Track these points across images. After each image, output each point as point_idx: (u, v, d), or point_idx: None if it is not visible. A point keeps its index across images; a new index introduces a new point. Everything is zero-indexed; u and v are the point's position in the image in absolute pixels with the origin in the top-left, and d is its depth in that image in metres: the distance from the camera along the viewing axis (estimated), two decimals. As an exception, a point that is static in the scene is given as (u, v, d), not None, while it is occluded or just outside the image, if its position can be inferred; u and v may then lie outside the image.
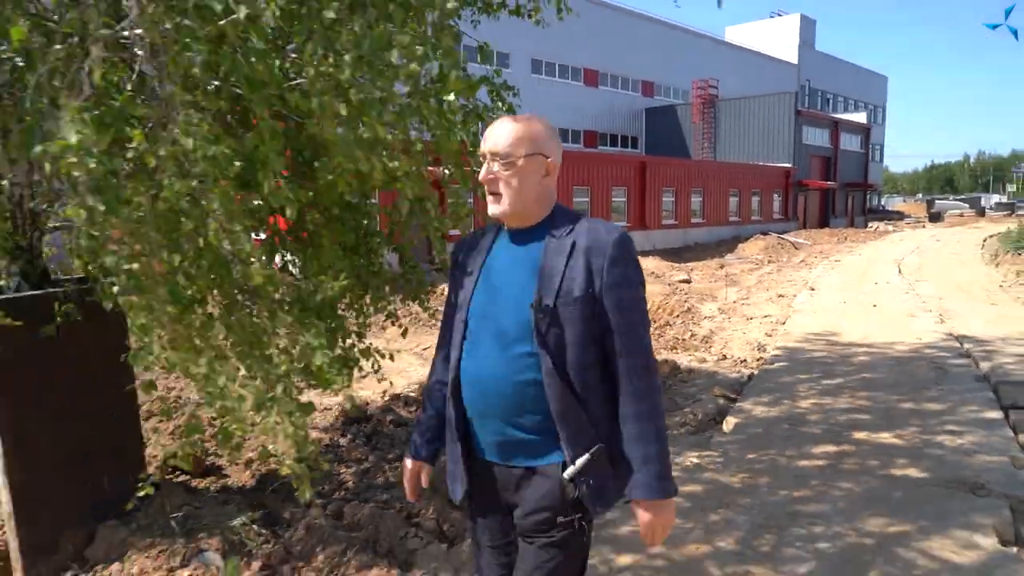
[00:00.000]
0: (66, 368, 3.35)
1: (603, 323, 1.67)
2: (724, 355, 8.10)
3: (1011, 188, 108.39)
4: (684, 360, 7.83)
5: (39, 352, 3.23)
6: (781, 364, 7.50)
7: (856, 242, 29.40)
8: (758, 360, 7.81)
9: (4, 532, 3.41)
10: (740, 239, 29.38)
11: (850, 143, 46.03)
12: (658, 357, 6.97)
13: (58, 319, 3.19)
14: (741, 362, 7.75)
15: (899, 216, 54.53)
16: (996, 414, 5.51)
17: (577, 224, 1.73)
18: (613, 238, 1.68)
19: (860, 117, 49.62)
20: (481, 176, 1.75)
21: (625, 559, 3.38)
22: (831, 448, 4.88)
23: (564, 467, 1.68)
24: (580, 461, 1.65)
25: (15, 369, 3.16)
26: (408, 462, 1.97)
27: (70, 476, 3.39)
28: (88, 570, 3.31)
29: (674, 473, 4.20)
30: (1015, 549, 3.45)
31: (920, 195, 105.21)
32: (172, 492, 3.92)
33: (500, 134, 1.73)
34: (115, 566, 3.27)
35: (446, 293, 1.94)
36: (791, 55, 55.08)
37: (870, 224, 44.24)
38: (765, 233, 31.25)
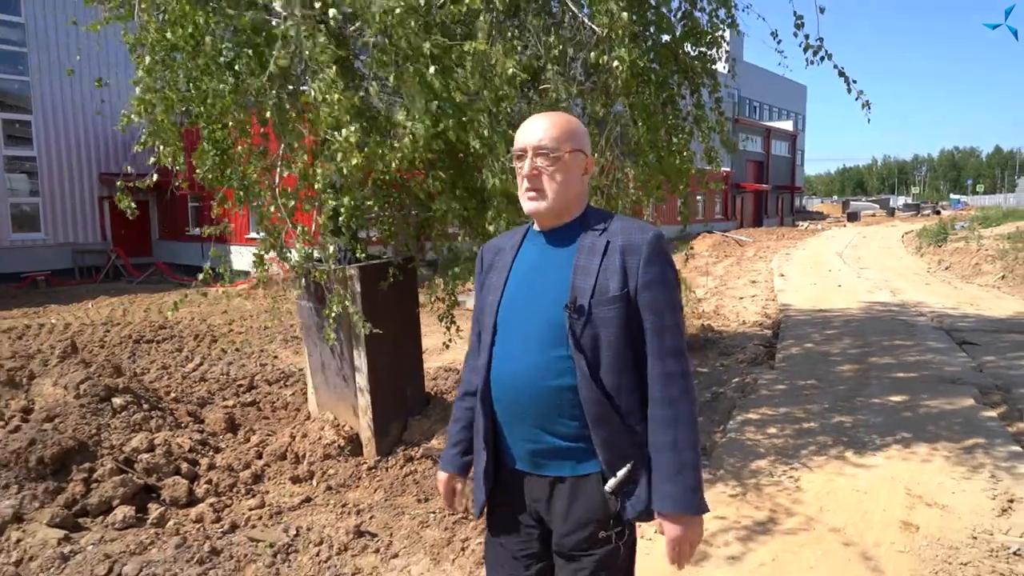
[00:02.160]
0: (391, 319, 5.11)
1: (637, 324, 1.60)
2: (742, 321, 10.48)
3: (915, 190, 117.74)
4: (713, 325, 10.16)
5: (380, 305, 5.03)
6: (791, 324, 9.98)
7: (793, 239, 32.82)
8: (771, 323, 10.23)
9: (351, 424, 5.32)
10: (688, 237, 32.31)
11: (779, 149, 50.25)
12: (696, 322, 9.28)
13: (390, 279, 4.95)
14: (758, 324, 10.15)
15: (821, 216, 59.40)
16: (953, 346, 8.04)
17: (610, 223, 1.68)
18: (648, 237, 1.62)
19: (787, 125, 53.97)
20: (526, 171, 1.66)
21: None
22: (854, 366, 7.27)
23: (603, 477, 1.61)
24: (621, 473, 1.58)
25: (374, 312, 4.89)
26: (441, 475, 1.93)
27: (394, 387, 5.28)
28: (410, 446, 5.18)
29: (768, 377, 6.46)
30: (981, 405, 5.86)
31: (835, 197, 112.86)
32: (437, 403, 5.86)
33: (544, 127, 1.67)
34: (427, 443, 5.19)
35: (474, 299, 1.89)
36: (721, 67, 59.07)
37: (798, 223, 48.51)
38: (710, 232, 34.32)
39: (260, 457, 5.12)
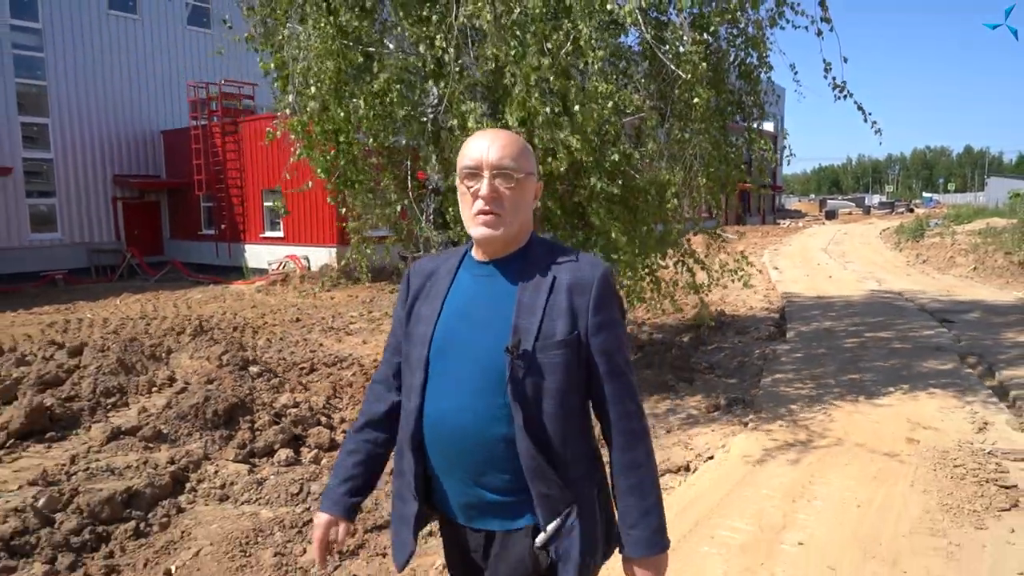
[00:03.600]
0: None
1: (587, 369, 1.48)
2: (749, 307, 11.67)
3: (889, 188, 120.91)
4: (724, 311, 11.34)
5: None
6: (794, 308, 11.19)
7: (778, 236, 34.28)
8: (775, 308, 11.42)
9: None
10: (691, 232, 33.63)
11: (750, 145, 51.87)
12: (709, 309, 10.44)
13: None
14: (764, 310, 11.34)
15: (800, 215, 61.27)
16: (937, 323, 9.30)
17: (557, 256, 1.53)
18: (598, 274, 1.49)
19: (769, 126, 55.67)
20: (484, 191, 1.46)
21: None
22: (856, 340, 8.48)
23: (535, 531, 1.48)
24: (551, 526, 1.45)
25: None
26: (320, 516, 1.63)
27: None
28: None
29: (784, 348, 7.62)
30: (963, 366, 7.07)
31: (812, 195, 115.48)
32: None
33: (503, 144, 1.48)
34: None
35: (393, 315, 1.70)
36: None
37: (779, 221, 50.15)
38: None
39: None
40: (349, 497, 1.64)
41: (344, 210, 6.27)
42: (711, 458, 4.67)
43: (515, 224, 1.50)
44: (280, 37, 5.67)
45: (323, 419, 5.80)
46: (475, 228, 1.50)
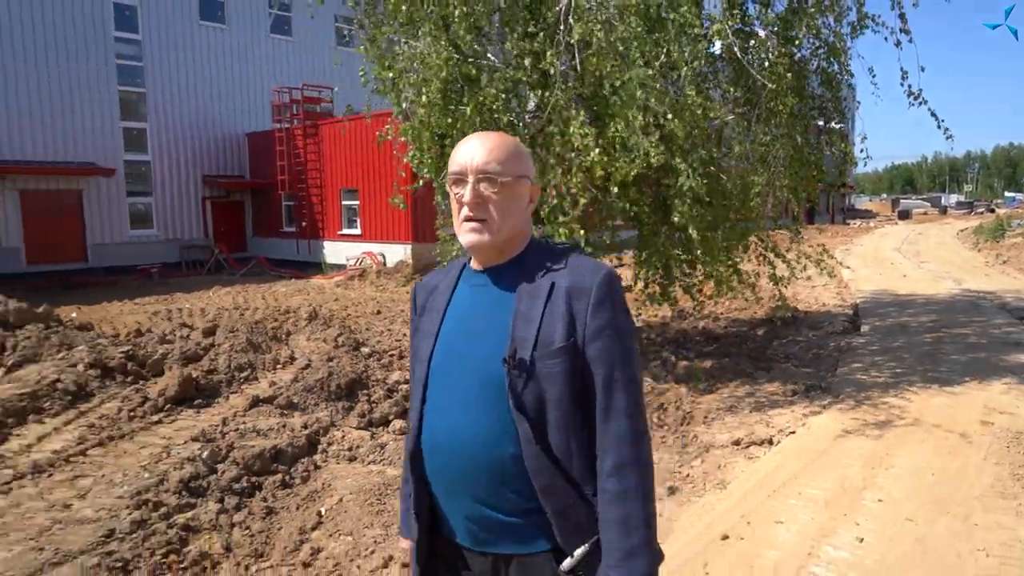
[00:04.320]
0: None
1: (586, 378, 1.40)
2: (822, 304, 11.85)
3: (968, 188, 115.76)
4: (797, 307, 11.54)
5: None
6: (868, 305, 11.33)
7: (848, 236, 33.64)
8: (848, 305, 11.57)
9: None
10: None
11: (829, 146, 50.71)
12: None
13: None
14: (836, 306, 11.50)
15: (871, 214, 59.52)
16: (1016, 322, 9.35)
17: (557, 262, 1.46)
18: (598, 278, 1.41)
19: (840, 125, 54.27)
20: (467, 197, 1.42)
21: None
22: (933, 335, 8.66)
23: (556, 555, 1.40)
24: (579, 552, 1.37)
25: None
26: (405, 543, 1.66)
27: None
28: None
29: (860, 341, 7.92)
30: (1043, 361, 7.23)
31: (884, 195, 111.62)
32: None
33: (488, 148, 1.44)
34: None
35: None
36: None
37: (849, 221, 48.95)
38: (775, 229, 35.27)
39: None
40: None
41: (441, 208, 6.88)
42: (792, 433, 5.08)
43: (505, 230, 1.45)
44: (395, 53, 6.32)
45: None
46: (463, 236, 1.47)
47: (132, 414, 5.72)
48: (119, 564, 3.63)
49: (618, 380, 1.39)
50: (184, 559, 3.81)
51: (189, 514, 4.24)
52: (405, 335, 10.57)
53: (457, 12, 5.24)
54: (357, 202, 21.65)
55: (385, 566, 3.66)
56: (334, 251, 22.43)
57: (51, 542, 3.85)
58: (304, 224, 23.43)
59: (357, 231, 21.78)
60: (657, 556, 1.38)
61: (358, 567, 3.70)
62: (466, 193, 1.43)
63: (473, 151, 1.45)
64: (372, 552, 3.84)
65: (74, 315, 12.49)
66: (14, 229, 20.36)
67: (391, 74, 6.09)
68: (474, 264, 1.53)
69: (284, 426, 5.54)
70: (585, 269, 1.45)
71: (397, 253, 20.31)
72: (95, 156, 21.63)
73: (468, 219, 1.44)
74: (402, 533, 1.68)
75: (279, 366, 6.91)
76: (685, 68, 4.80)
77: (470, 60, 5.80)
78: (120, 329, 9.89)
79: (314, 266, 22.23)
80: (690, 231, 5.75)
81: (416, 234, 19.59)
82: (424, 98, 5.80)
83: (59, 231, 21.14)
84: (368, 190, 21.03)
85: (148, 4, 22.90)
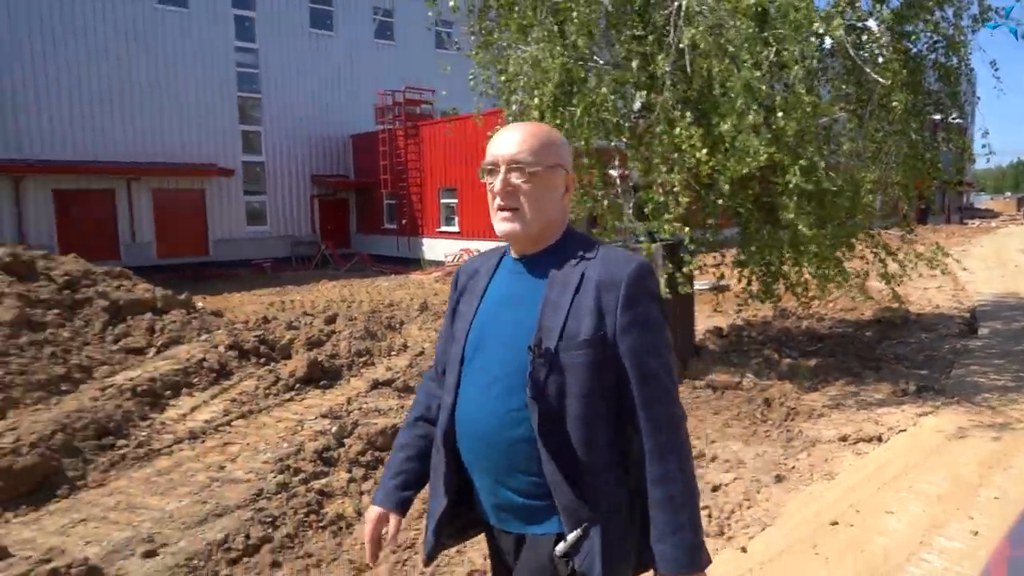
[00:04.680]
0: (674, 284, 6.95)
1: (616, 371, 1.41)
2: (935, 305, 11.35)
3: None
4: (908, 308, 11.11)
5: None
6: (988, 308, 10.79)
7: (965, 237, 31.58)
8: (964, 307, 11.05)
9: None
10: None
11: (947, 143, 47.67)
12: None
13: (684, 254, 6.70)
14: (953, 308, 11.00)
15: (992, 213, 55.43)
16: None
17: (590, 252, 1.48)
18: (630, 269, 1.43)
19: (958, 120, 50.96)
20: (497, 187, 1.48)
21: None
22: (1060, 340, 8.21)
23: (559, 539, 1.44)
24: (572, 536, 1.41)
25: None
26: (372, 510, 1.65)
27: (672, 336, 6.99)
28: (691, 380, 6.83)
29: (977, 344, 7.62)
30: None
31: (1008, 193, 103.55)
32: (705, 352, 7.51)
33: (520, 138, 1.48)
34: (707, 377, 6.80)
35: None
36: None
37: (967, 221, 45.83)
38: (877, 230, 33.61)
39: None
40: (400, 491, 1.66)
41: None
42: (903, 431, 5.04)
43: (538, 219, 1.48)
44: (506, 57, 6.64)
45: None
46: (497, 224, 1.51)
47: (267, 391, 6.30)
48: (268, 519, 4.10)
49: (651, 371, 1.42)
50: (323, 519, 4.24)
51: (323, 481, 4.69)
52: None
53: (576, 15, 5.48)
54: (455, 200, 22.30)
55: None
56: (433, 248, 23.19)
57: (212, 497, 4.39)
58: (404, 222, 24.35)
59: (455, 228, 22.44)
60: (699, 532, 1.44)
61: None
62: (496, 183, 1.49)
63: (505, 141, 1.50)
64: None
65: (201, 304, 13.64)
66: (147, 225, 22.24)
67: (504, 78, 6.41)
68: (512, 252, 1.57)
69: (402, 407, 5.96)
70: (617, 261, 1.46)
71: (493, 250, 20.77)
72: (216, 157, 23.28)
73: (500, 208, 1.50)
74: (374, 500, 1.68)
75: (394, 353, 7.38)
76: (796, 67, 4.85)
77: (580, 63, 6.04)
78: (240, 317, 10.76)
79: (413, 262, 23.07)
80: (801, 228, 5.76)
81: (512, 232, 19.98)
82: (536, 100, 6.08)
83: (185, 227, 22.91)
84: (466, 189, 21.63)
85: (264, 15, 24.44)
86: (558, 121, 6.23)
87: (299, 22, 25.25)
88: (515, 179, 1.47)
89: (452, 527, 1.60)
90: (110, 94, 21.16)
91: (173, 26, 22.38)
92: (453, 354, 1.57)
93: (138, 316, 8.12)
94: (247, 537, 3.85)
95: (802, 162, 5.20)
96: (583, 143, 6.36)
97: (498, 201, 1.50)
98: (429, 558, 1.62)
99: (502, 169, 1.48)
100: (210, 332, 7.94)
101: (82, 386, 6.33)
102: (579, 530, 1.42)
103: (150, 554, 3.67)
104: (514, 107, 6.56)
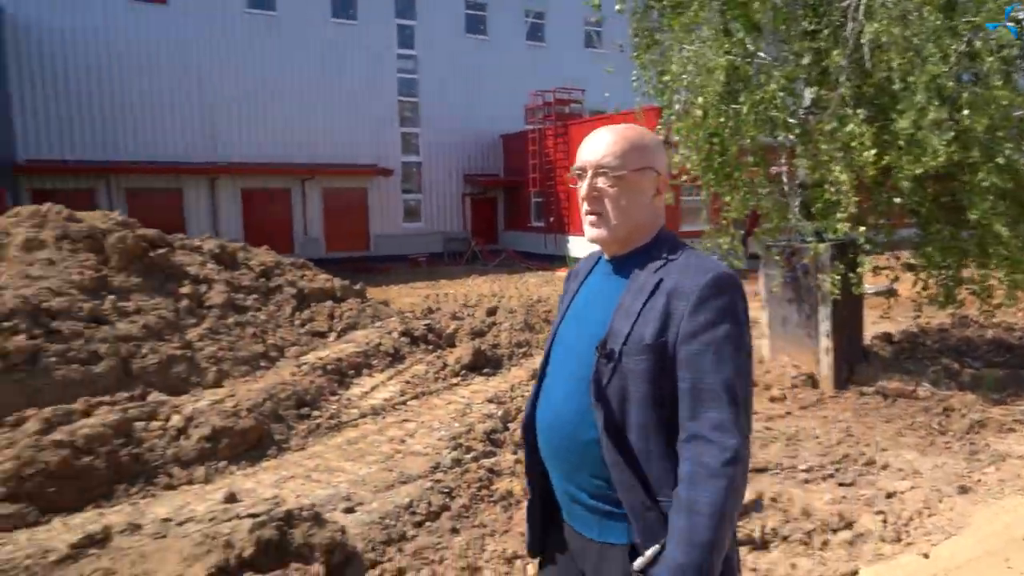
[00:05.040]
0: (844, 285, 6.63)
1: (674, 381, 1.36)
2: None
3: None
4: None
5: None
6: None
7: None
8: None
9: (806, 365, 6.80)
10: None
11: None
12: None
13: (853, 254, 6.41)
14: None
15: None
16: None
17: (674, 257, 1.44)
18: (705, 279, 1.36)
19: None
20: (582, 192, 1.48)
21: None
22: None
23: (633, 552, 1.38)
24: (650, 552, 1.35)
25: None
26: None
27: (846, 339, 6.65)
28: (860, 385, 6.49)
29: None
30: None
31: None
32: (874, 357, 7.14)
33: (608, 142, 1.47)
34: (876, 383, 6.43)
35: None
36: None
37: None
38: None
39: (735, 382, 6.94)
40: None
41: (708, 204, 7.12)
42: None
43: (624, 223, 1.47)
44: (668, 57, 6.70)
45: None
46: (585, 230, 1.52)
47: (436, 376, 6.80)
48: (445, 490, 4.48)
49: (707, 389, 1.32)
50: (493, 494, 4.57)
51: (492, 460, 5.03)
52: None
53: (746, 12, 5.47)
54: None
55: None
56: (578, 245, 23.43)
57: (396, 466, 4.86)
58: (551, 219, 24.79)
59: (602, 227, 22.52)
60: None
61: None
62: (583, 187, 1.49)
63: (592, 146, 1.49)
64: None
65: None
66: (317, 221, 24.23)
67: (667, 77, 6.49)
68: (605, 254, 1.58)
69: (561, 397, 6.22)
70: (694, 269, 1.40)
71: (640, 249, 20.64)
72: (378, 158, 24.88)
73: (587, 213, 1.50)
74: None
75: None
76: (991, 58, 4.55)
77: (747, 60, 5.99)
78: (401, 308, 11.54)
79: (559, 259, 23.42)
80: (997, 228, 5.40)
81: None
82: (701, 99, 6.11)
83: (349, 223, 24.72)
84: (614, 187, 21.63)
85: (423, 23, 25.81)
86: (722, 119, 6.22)
87: (455, 28, 26.41)
88: (600, 183, 1.47)
89: (544, 518, 1.62)
90: (290, 102, 23.25)
91: (344, 38, 24.20)
92: (545, 351, 1.62)
93: (320, 303, 9.00)
94: (429, 504, 4.24)
95: (999, 160, 4.86)
96: (748, 140, 6.31)
97: (585, 206, 1.50)
98: (530, 549, 1.65)
99: (589, 173, 1.49)
100: (381, 320, 8.64)
101: (278, 363, 7.15)
102: (657, 546, 1.36)
103: (349, 510, 4.16)
104: (676, 106, 6.61)
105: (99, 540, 3.64)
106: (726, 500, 1.29)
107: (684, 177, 7.08)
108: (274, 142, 23.00)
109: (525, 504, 1.70)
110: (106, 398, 5.68)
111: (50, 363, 6.01)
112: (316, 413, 5.75)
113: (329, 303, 8.95)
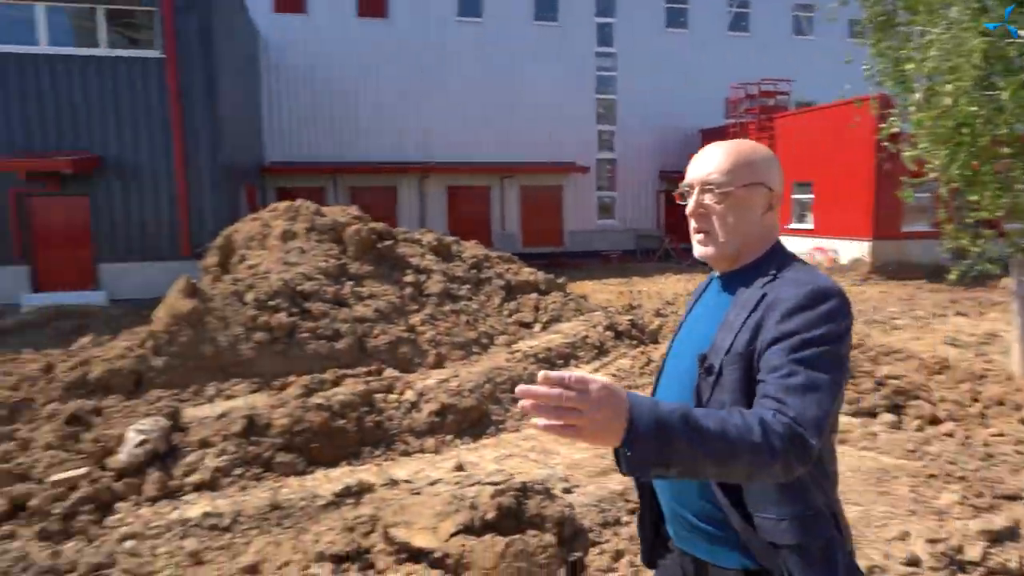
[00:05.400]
0: None
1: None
2: None
3: None
4: None
5: None
6: None
7: None
8: None
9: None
10: None
11: None
12: None
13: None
14: None
15: None
16: None
17: (782, 271, 1.41)
18: (801, 291, 1.32)
19: None
20: (689, 210, 1.48)
21: None
22: None
23: (746, 574, 1.37)
24: None
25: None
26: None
27: None
28: None
29: None
30: None
31: None
32: None
33: (712, 159, 1.47)
34: None
35: None
36: None
37: None
38: None
39: (977, 400, 6.25)
40: None
41: (945, 201, 6.48)
42: None
43: (731, 241, 1.44)
44: (907, 43, 6.18)
45: (922, 394, 6.20)
46: (693, 246, 1.51)
47: (640, 371, 6.86)
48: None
49: (791, 387, 1.22)
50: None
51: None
52: (868, 335, 10.10)
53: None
54: (810, 196, 21.00)
55: (902, 539, 3.83)
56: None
57: (607, 454, 5.00)
58: (753, 218, 23.71)
59: (808, 226, 21.16)
60: (679, 447, 1.09)
61: (873, 533, 3.94)
62: (689, 204, 1.48)
63: (700, 162, 1.48)
64: (885, 524, 4.04)
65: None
66: (514, 217, 25.24)
67: (911, 65, 5.99)
68: (716, 271, 1.55)
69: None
70: (795, 282, 1.35)
71: (853, 250, 19.15)
72: (575, 156, 25.33)
73: (695, 231, 1.49)
74: None
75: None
76: None
77: (1008, 41, 5.37)
78: (597, 303, 11.71)
79: (759, 259, 22.36)
80: None
81: (878, 229, 18.18)
82: (951, 86, 5.58)
83: (544, 220, 25.46)
84: (823, 183, 20.23)
85: (623, 19, 25.81)
86: (975, 107, 5.63)
87: (655, 23, 26.12)
88: (707, 200, 1.46)
89: (654, 531, 1.59)
90: (493, 103, 24.42)
91: (546, 39, 24.92)
92: (660, 366, 1.60)
93: (525, 295, 9.42)
94: (642, 494, 4.33)
95: None
96: (1005, 130, 5.66)
97: (693, 223, 1.49)
98: (645, 561, 1.63)
99: (696, 190, 1.48)
100: (583, 313, 8.86)
101: (489, 349, 7.62)
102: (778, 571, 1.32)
103: (567, 491, 4.37)
104: (917, 95, 6.09)
105: (355, 492, 4.17)
106: (752, 446, 1.13)
107: (931, 173, 6.50)
108: (477, 142, 24.29)
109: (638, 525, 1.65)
110: (347, 371, 6.44)
111: (303, 338, 6.92)
112: (529, 398, 6.05)
113: (534, 295, 9.34)
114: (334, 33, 22.95)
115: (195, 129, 14.62)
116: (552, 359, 6.90)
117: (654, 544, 1.59)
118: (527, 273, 10.13)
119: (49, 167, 13.38)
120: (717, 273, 1.53)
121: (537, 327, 8.60)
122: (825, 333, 1.27)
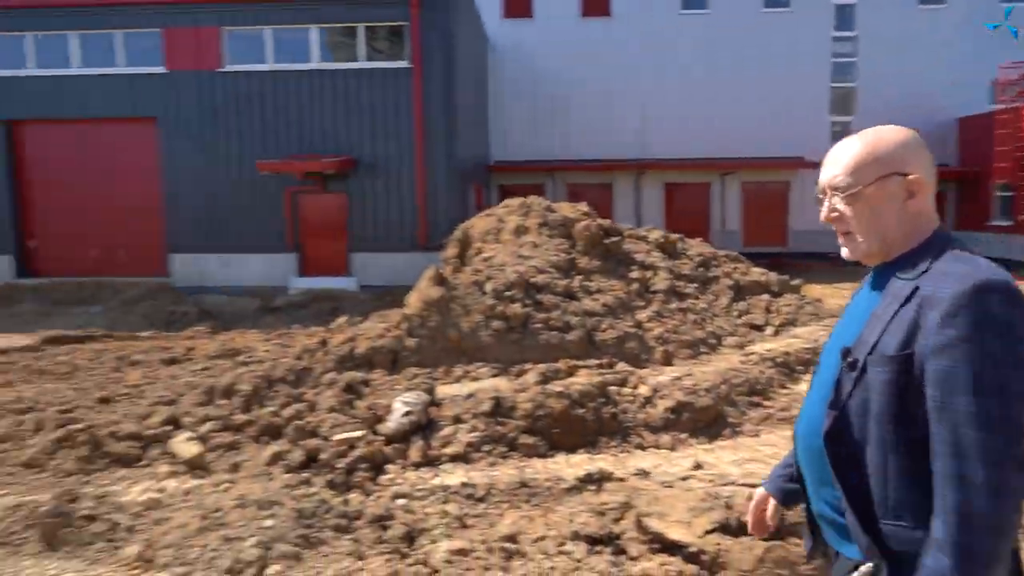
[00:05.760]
0: None
1: (921, 398, 1.23)
2: None
3: None
4: None
5: None
6: None
7: None
8: None
9: None
10: None
11: None
12: None
13: None
14: None
15: None
16: None
17: (936, 261, 1.31)
18: (962, 287, 1.20)
19: None
20: (822, 215, 1.47)
21: None
22: None
23: (856, 568, 1.35)
24: (862, 570, 1.33)
25: None
26: (758, 491, 1.78)
27: None
28: None
29: None
30: None
31: None
32: None
33: (838, 159, 1.42)
34: None
35: None
36: None
37: None
38: None
39: None
40: (783, 481, 1.69)
41: None
42: None
43: (871, 238, 1.40)
44: None
45: None
46: (841, 250, 1.48)
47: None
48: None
49: (952, 410, 1.18)
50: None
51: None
52: None
53: None
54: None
55: None
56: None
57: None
58: (1022, 218, 20.50)
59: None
60: None
61: None
62: (822, 211, 1.46)
63: (827, 164, 1.45)
64: None
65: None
66: (734, 215, 24.21)
67: None
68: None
69: None
70: (954, 275, 1.24)
71: None
72: (803, 151, 23.64)
73: (838, 233, 1.47)
74: (762, 482, 1.79)
75: None
76: None
77: None
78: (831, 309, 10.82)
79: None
80: None
81: None
82: None
83: (767, 218, 24.12)
84: None
85: (867, 0, 23.54)
86: None
87: (906, 0, 23.50)
88: (837, 204, 1.43)
89: (812, 525, 1.58)
90: (715, 97, 23.60)
91: (776, 27, 23.53)
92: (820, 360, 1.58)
93: (755, 296, 9.03)
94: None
95: None
96: None
97: (834, 227, 1.48)
98: (808, 555, 1.63)
99: (828, 194, 1.46)
100: (821, 319, 8.28)
101: (718, 349, 7.41)
102: (871, 565, 1.31)
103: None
104: None
105: (596, 479, 4.30)
106: (971, 535, 1.16)
107: None
108: (697, 138, 23.63)
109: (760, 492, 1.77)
110: (579, 362, 6.63)
111: (535, 328, 7.25)
112: (767, 403, 5.82)
113: (766, 297, 8.92)
114: (557, 35, 23.62)
115: (434, 132, 15.89)
116: (791, 364, 6.55)
117: (814, 538, 1.60)
118: (757, 273, 9.70)
119: (318, 168, 15.36)
120: (871, 266, 1.52)
121: (769, 330, 8.21)
122: (991, 340, 1.19)
